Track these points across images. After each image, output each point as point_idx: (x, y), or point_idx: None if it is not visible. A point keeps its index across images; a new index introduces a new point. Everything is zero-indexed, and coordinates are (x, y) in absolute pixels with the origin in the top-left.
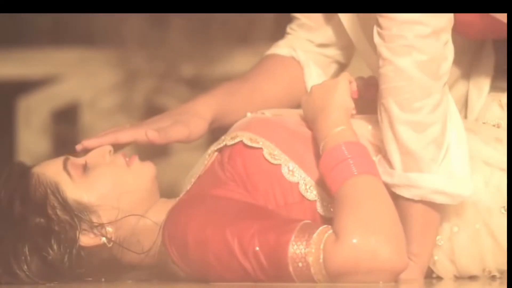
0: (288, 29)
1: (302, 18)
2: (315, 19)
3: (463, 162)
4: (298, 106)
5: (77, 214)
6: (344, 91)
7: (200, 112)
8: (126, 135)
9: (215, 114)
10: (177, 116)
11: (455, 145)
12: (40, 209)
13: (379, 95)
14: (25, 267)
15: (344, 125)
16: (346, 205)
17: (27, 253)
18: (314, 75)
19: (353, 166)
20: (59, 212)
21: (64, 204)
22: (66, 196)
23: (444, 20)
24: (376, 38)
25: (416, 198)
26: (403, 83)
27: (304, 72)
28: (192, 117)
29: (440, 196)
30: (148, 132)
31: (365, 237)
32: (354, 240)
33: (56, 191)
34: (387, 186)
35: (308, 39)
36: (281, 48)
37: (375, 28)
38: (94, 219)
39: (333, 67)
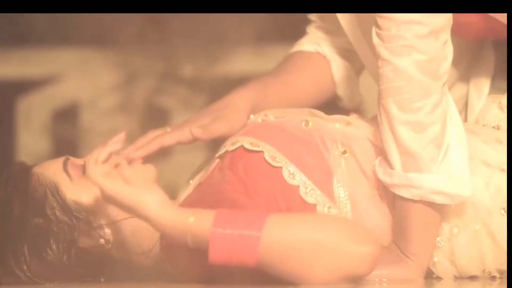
0: (307, 29)
1: (318, 21)
2: (332, 21)
3: (463, 162)
4: (326, 99)
5: (76, 215)
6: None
7: (239, 105)
8: (171, 138)
9: (251, 107)
10: (217, 112)
11: (454, 145)
12: (39, 210)
13: (379, 96)
14: (25, 267)
15: (183, 217)
16: (284, 263)
17: (27, 253)
18: (341, 67)
19: (248, 232)
20: (58, 213)
21: (63, 204)
22: (65, 196)
23: (443, 20)
24: (375, 39)
25: (415, 198)
26: (403, 83)
27: (331, 65)
28: (232, 111)
29: (439, 196)
30: (193, 130)
31: (332, 258)
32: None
33: (55, 191)
34: (387, 186)
35: (328, 40)
36: (305, 45)
37: (374, 29)
38: (93, 220)
39: (359, 60)
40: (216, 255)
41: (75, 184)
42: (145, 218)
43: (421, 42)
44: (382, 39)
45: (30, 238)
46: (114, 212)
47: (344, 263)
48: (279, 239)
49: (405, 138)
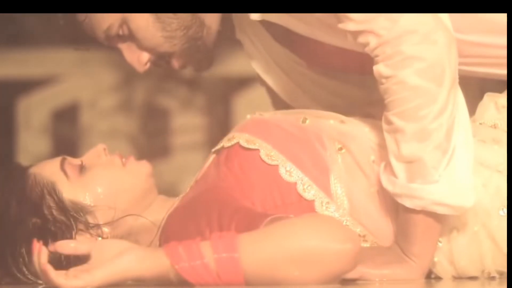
0: None
1: None
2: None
3: (467, 170)
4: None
5: (73, 214)
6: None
7: None
8: None
9: None
10: None
11: (460, 151)
12: (36, 210)
13: (385, 107)
14: (24, 268)
15: (160, 260)
16: (272, 275)
17: (25, 254)
18: None
19: (226, 254)
20: (55, 213)
21: (60, 204)
22: (63, 196)
23: (431, 21)
24: (375, 65)
25: (418, 209)
26: (406, 94)
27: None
28: None
29: (442, 208)
30: None
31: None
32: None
33: (53, 191)
34: (390, 195)
35: None
36: None
37: (370, 49)
38: (90, 220)
39: None
40: (200, 283)
41: (72, 183)
42: (135, 279)
43: (417, 50)
44: (379, 60)
45: (28, 238)
46: (111, 211)
47: (327, 263)
48: (258, 255)
49: (408, 148)
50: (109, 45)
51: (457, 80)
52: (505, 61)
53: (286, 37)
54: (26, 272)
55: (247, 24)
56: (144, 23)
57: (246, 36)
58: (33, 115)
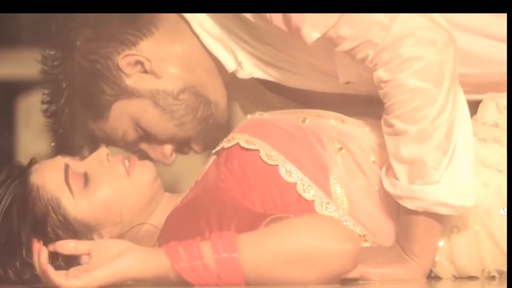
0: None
1: None
2: None
3: (467, 171)
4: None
5: (79, 232)
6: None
7: None
8: None
9: None
10: None
11: (460, 152)
12: (39, 227)
13: (384, 111)
14: (15, 278)
15: (160, 260)
16: (271, 275)
17: (19, 267)
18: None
19: (226, 255)
20: (60, 232)
21: (65, 223)
22: (68, 216)
23: (426, 22)
24: (375, 72)
25: (419, 210)
26: (405, 96)
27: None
28: None
29: (443, 208)
30: None
31: (315, 247)
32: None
33: (57, 208)
34: (393, 197)
35: None
36: None
37: (367, 58)
38: (96, 237)
39: None
40: (200, 283)
41: (77, 200)
42: (135, 279)
43: (413, 51)
44: (378, 67)
45: (26, 253)
46: (118, 227)
47: (327, 263)
48: (258, 255)
49: (408, 151)
50: (132, 151)
51: (457, 79)
52: (478, 87)
53: (279, 87)
54: (19, 280)
55: (240, 81)
56: (152, 118)
57: (241, 93)
58: (33, 115)
